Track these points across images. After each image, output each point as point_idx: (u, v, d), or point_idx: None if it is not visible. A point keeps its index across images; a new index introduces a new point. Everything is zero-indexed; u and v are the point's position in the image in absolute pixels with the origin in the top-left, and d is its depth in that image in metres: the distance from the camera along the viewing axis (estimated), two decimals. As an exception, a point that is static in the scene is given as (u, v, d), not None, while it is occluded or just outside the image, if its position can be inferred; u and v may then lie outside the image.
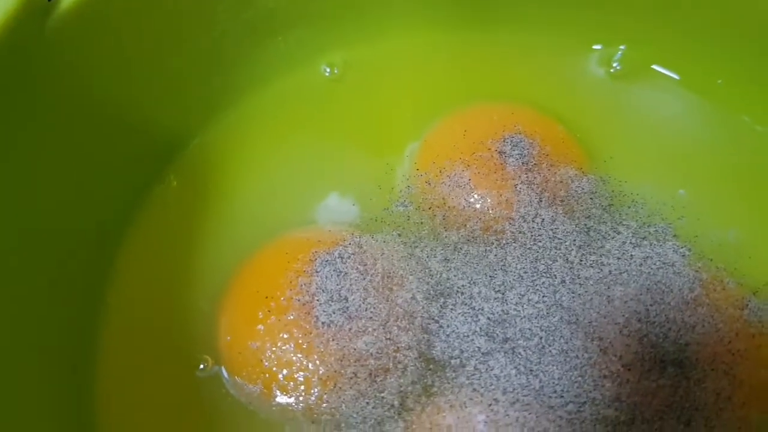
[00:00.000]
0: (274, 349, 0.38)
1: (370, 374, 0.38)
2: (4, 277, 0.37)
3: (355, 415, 0.38)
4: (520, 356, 0.40)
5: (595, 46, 0.54)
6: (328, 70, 0.53)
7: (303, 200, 0.47)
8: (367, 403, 0.38)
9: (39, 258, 0.40)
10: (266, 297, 0.40)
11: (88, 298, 0.42)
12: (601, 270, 0.42)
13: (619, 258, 0.43)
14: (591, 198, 0.46)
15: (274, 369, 0.38)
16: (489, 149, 0.46)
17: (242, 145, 0.50)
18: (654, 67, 0.53)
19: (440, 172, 0.46)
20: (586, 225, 0.45)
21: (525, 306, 0.42)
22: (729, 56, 0.49)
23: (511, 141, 0.46)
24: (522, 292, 0.42)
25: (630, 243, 0.43)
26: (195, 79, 0.49)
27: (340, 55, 0.54)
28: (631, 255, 0.43)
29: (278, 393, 0.38)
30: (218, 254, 0.45)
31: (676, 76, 0.52)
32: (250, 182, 0.48)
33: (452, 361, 0.40)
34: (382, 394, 0.38)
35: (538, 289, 0.42)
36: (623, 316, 0.40)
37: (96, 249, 0.43)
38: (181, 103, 0.48)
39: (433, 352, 0.40)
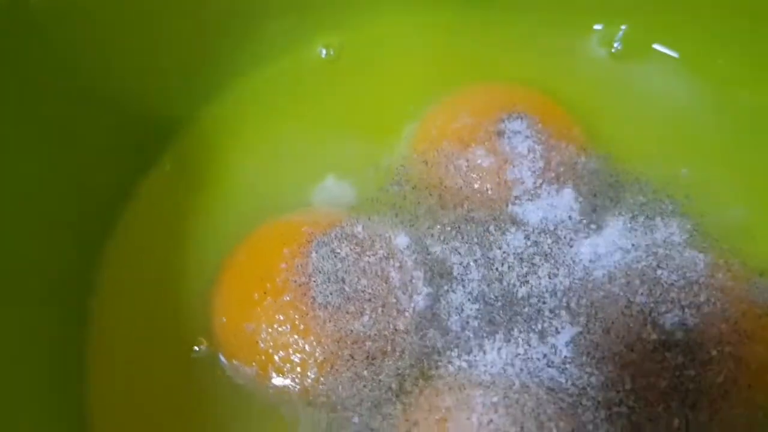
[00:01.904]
0: (270, 330, 0.38)
1: (368, 356, 0.38)
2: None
3: (352, 398, 0.37)
4: (519, 338, 0.39)
5: (595, 26, 0.53)
6: (324, 51, 0.53)
7: (299, 182, 0.47)
8: (365, 385, 0.37)
9: (33, 242, 0.39)
10: (261, 278, 0.39)
11: (83, 279, 0.41)
12: (604, 249, 0.42)
13: (622, 236, 0.42)
14: (594, 176, 0.45)
15: (270, 351, 0.38)
16: (487, 129, 0.45)
17: (238, 127, 0.49)
18: (655, 46, 0.52)
19: (437, 152, 0.46)
20: (591, 203, 0.44)
21: (524, 287, 0.41)
22: (729, 35, 0.49)
23: (510, 121, 0.45)
24: (521, 273, 0.41)
25: (635, 221, 0.43)
26: (190, 62, 0.48)
27: (336, 37, 0.53)
28: (636, 234, 0.42)
29: (274, 375, 0.37)
30: (213, 237, 0.44)
31: (676, 55, 0.52)
32: (245, 165, 0.48)
33: (450, 344, 0.39)
34: (380, 377, 0.38)
35: (537, 270, 0.42)
36: (626, 296, 0.39)
37: (91, 232, 0.43)
38: (174, 88, 0.48)
39: (431, 334, 0.39)
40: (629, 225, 0.43)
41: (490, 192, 0.44)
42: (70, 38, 0.40)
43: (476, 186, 0.44)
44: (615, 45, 0.53)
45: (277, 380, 0.37)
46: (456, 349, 0.39)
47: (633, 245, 0.42)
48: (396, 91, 0.51)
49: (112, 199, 0.44)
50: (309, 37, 0.53)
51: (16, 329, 0.36)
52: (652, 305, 0.38)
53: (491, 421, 0.34)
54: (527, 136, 0.45)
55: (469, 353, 0.39)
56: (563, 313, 0.40)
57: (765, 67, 0.49)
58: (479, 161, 0.44)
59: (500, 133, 0.45)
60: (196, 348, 0.40)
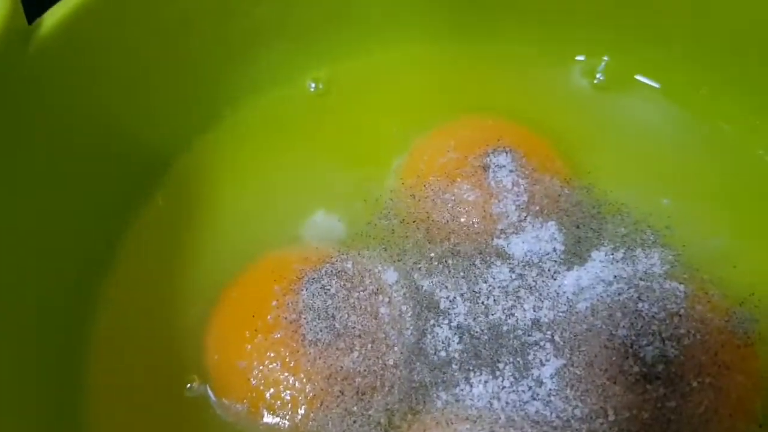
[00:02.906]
0: (261, 368, 0.39)
1: (357, 392, 0.38)
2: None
3: (342, 434, 0.38)
4: (504, 371, 0.40)
5: (578, 57, 0.54)
6: (313, 85, 0.54)
7: (289, 217, 0.47)
8: (354, 421, 0.38)
9: (27, 279, 0.40)
10: (253, 316, 0.40)
11: (76, 317, 0.42)
12: (587, 281, 0.43)
13: (604, 268, 0.43)
14: (577, 208, 0.46)
15: (261, 388, 0.38)
16: (472, 164, 0.47)
17: (227, 162, 0.50)
18: (637, 77, 0.53)
19: (425, 186, 0.47)
20: (575, 235, 0.45)
21: (509, 320, 0.42)
22: (710, 66, 0.50)
23: (494, 155, 0.46)
24: (507, 307, 0.42)
25: (617, 251, 0.44)
26: (178, 97, 0.49)
27: (325, 71, 0.54)
28: (617, 265, 0.43)
29: (265, 412, 0.38)
30: (205, 273, 0.45)
31: (658, 86, 0.53)
32: (235, 199, 0.49)
33: (437, 378, 0.40)
34: (369, 412, 0.38)
35: (522, 303, 0.42)
36: (608, 329, 0.40)
37: (84, 269, 0.44)
38: (165, 122, 0.49)
39: (419, 368, 0.40)
40: (611, 256, 0.44)
41: (475, 225, 0.45)
42: (62, 80, 0.41)
43: (462, 220, 0.45)
44: (597, 76, 0.54)
45: (268, 418, 0.38)
46: (443, 384, 0.40)
47: (615, 277, 0.43)
48: (384, 124, 0.52)
49: (107, 236, 0.45)
50: (298, 72, 0.54)
51: (12, 360, 0.36)
52: (633, 338, 0.39)
53: (478, 456, 0.35)
54: (511, 170, 0.46)
55: (455, 387, 0.39)
56: (548, 345, 0.41)
57: (746, 98, 0.50)
58: (465, 195, 0.45)
59: (485, 168, 0.46)
60: (188, 385, 0.40)
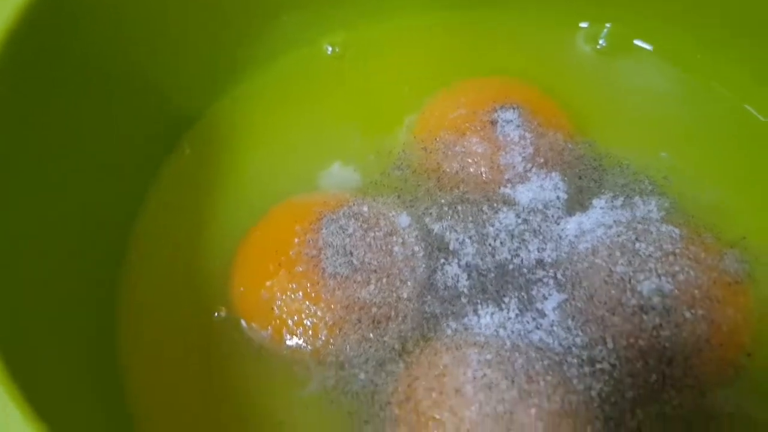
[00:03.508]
0: (284, 298, 0.41)
1: (373, 321, 0.41)
2: (39, 240, 0.40)
3: (358, 357, 0.41)
4: (510, 305, 0.43)
5: (582, 24, 0.57)
6: (330, 48, 0.57)
7: (308, 169, 0.50)
8: (370, 346, 0.41)
9: (68, 219, 0.42)
10: (276, 252, 0.43)
11: (111, 257, 0.45)
12: (588, 225, 0.45)
13: (605, 214, 0.46)
14: (579, 161, 0.49)
15: (284, 316, 0.41)
16: (481, 119, 0.49)
17: (250, 117, 0.53)
18: (636, 42, 0.56)
19: (436, 140, 0.49)
20: (577, 185, 0.48)
21: (515, 260, 0.45)
22: (703, 30, 0.53)
23: (502, 111, 0.49)
24: (512, 248, 0.45)
25: (617, 199, 0.46)
26: (203, 57, 0.52)
27: (341, 35, 0.57)
28: (617, 211, 0.46)
29: (288, 337, 0.41)
30: (230, 217, 0.48)
31: (654, 49, 0.56)
32: (258, 151, 0.52)
33: (447, 310, 0.43)
34: (384, 338, 0.41)
35: (527, 245, 0.45)
36: (607, 266, 0.42)
37: (118, 213, 0.46)
38: (191, 80, 0.52)
39: (430, 301, 0.43)
40: (611, 203, 0.47)
41: (484, 175, 0.48)
42: (101, 38, 0.44)
43: (471, 170, 0.48)
44: (600, 42, 0.57)
45: (291, 342, 0.41)
46: (453, 315, 0.42)
47: (614, 222, 0.45)
48: (397, 86, 0.55)
49: (139, 181, 0.48)
50: (316, 36, 0.57)
51: (55, 291, 0.39)
52: (631, 274, 0.42)
53: (485, 375, 0.38)
54: (518, 125, 0.49)
55: (464, 317, 0.42)
56: (551, 282, 0.44)
57: (736, 60, 0.53)
58: (474, 148, 0.48)
59: (494, 122, 0.49)
60: (216, 314, 0.43)
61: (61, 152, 0.42)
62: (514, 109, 0.49)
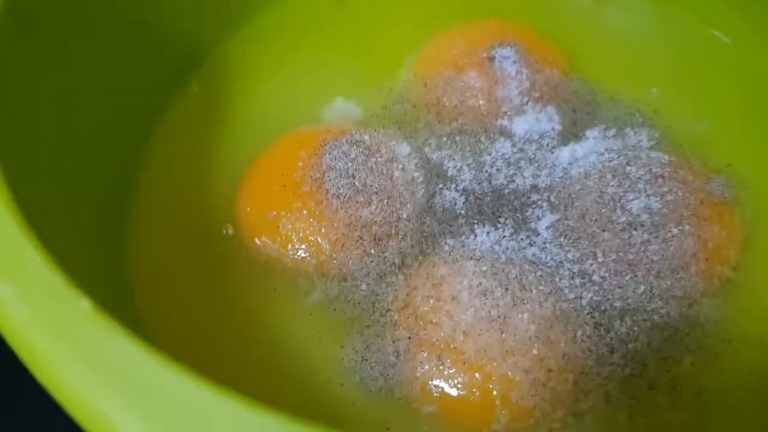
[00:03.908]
0: (289, 215, 0.43)
1: (374, 238, 0.43)
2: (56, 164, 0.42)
3: (360, 270, 0.43)
4: (505, 225, 0.45)
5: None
6: (333, -8, 0.59)
7: (311, 103, 0.52)
8: (371, 261, 0.43)
9: (83, 148, 0.44)
10: (282, 175, 0.45)
11: (122, 181, 0.47)
12: (581, 153, 0.47)
13: (597, 143, 0.48)
14: (574, 95, 0.51)
15: (289, 233, 0.43)
16: (480, 55, 0.51)
17: (256, 55, 0.55)
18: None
19: (436, 75, 0.51)
20: (572, 117, 0.50)
21: (510, 185, 0.47)
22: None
23: (500, 48, 0.51)
24: (508, 174, 0.47)
25: (609, 130, 0.48)
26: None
27: (344, -21, 0.59)
28: (609, 141, 0.48)
29: (292, 252, 0.43)
30: (237, 147, 0.49)
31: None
32: (264, 88, 0.54)
33: (445, 230, 0.45)
34: (385, 254, 0.43)
35: (522, 172, 0.47)
36: (599, 188, 0.44)
37: (129, 141, 0.48)
38: (199, 18, 0.54)
39: (429, 222, 0.45)
40: (604, 134, 0.48)
41: (481, 108, 0.50)
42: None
43: (470, 103, 0.50)
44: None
45: (295, 256, 0.43)
46: (450, 233, 0.44)
47: (606, 149, 0.47)
48: (397, 29, 0.57)
49: (147, 114, 0.50)
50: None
51: (78, 210, 0.41)
52: (621, 194, 0.43)
53: (480, 284, 0.40)
54: (515, 61, 0.50)
55: (461, 236, 0.44)
56: (544, 204, 0.46)
57: (725, 6, 0.55)
58: (473, 82, 0.50)
59: (491, 59, 0.51)
60: (224, 231, 0.45)
61: (73, 82, 0.44)
62: (511, 46, 0.51)
